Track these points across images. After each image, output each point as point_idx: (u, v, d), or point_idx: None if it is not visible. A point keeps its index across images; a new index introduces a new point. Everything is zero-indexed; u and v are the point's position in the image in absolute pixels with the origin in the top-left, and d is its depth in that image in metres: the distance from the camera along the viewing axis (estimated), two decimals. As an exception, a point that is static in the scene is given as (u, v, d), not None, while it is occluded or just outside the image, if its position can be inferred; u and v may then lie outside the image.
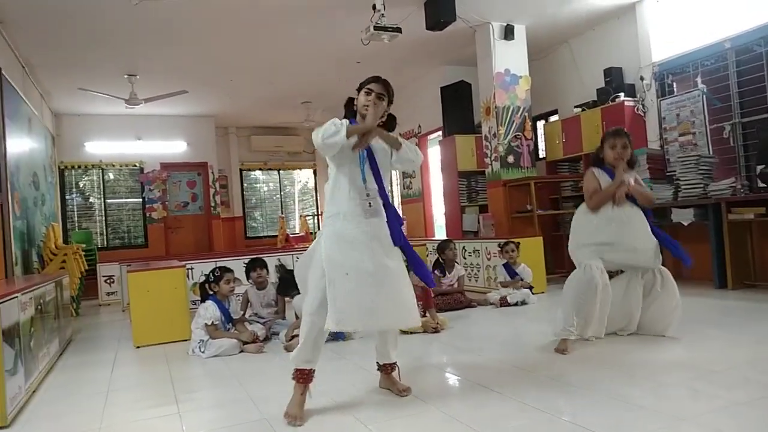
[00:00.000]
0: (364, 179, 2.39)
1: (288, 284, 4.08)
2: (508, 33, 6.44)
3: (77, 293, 6.31)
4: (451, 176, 7.54)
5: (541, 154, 7.45)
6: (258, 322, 4.13)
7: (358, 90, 2.48)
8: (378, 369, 2.63)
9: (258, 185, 12.22)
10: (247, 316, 4.21)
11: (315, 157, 12.04)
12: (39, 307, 3.37)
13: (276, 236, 11.29)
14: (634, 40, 6.21)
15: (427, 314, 3.97)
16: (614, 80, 6.30)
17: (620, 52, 6.41)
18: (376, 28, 5.28)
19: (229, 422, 2.37)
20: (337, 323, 2.20)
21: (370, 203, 2.37)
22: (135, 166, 10.19)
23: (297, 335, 2.96)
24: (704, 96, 5.46)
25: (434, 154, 8.58)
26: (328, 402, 2.50)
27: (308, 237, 10.40)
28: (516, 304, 4.74)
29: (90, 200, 10.10)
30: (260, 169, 12.10)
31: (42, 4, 5.15)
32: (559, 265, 6.40)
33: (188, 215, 10.76)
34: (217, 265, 4.07)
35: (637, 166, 3.41)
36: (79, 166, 9.84)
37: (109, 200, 10.13)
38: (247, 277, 4.34)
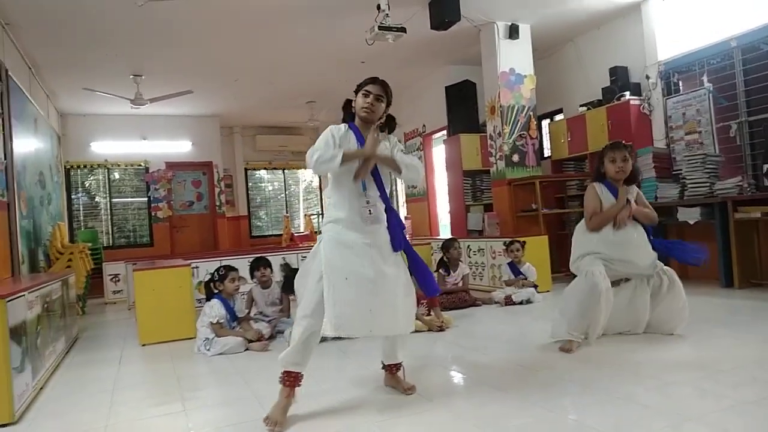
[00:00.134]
0: (364, 187, 2.37)
1: (292, 283, 4.08)
2: (513, 32, 6.42)
3: (83, 292, 6.34)
4: (455, 175, 7.54)
5: (546, 153, 7.42)
6: (263, 320, 4.14)
7: (356, 91, 2.45)
8: (383, 368, 2.63)
9: (263, 184, 12.24)
10: (252, 314, 4.22)
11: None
12: (45, 305, 3.38)
13: (281, 235, 11.30)
14: (639, 38, 6.18)
15: (432, 313, 3.97)
16: (620, 79, 6.27)
17: (626, 51, 6.37)
18: (380, 28, 5.27)
19: (235, 420, 2.38)
20: (336, 328, 2.17)
21: (370, 210, 2.35)
22: (140, 165, 10.22)
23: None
24: (710, 95, 5.43)
25: (439, 153, 8.57)
26: (333, 400, 2.51)
27: (313, 236, 10.40)
28: (521, 303, 4.75)
29: (96, 199, 10.14)
30: (265, 169, 12.12)
31: (48, 6, 5.18)
32: (564, 264, 6.33)
33: (193, 214, 10.80)
34: (222, 264, 4.09)
35: (639, 176, 3.32)
36: (85, 166, 9.89)
37: (114, 199, 10.17)
38: (251, 277, 4.36)
